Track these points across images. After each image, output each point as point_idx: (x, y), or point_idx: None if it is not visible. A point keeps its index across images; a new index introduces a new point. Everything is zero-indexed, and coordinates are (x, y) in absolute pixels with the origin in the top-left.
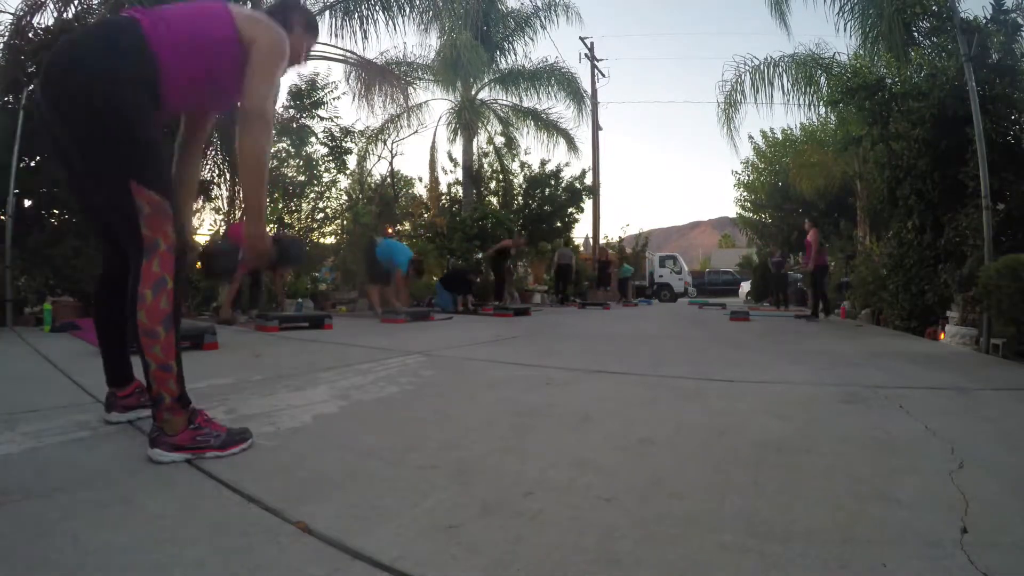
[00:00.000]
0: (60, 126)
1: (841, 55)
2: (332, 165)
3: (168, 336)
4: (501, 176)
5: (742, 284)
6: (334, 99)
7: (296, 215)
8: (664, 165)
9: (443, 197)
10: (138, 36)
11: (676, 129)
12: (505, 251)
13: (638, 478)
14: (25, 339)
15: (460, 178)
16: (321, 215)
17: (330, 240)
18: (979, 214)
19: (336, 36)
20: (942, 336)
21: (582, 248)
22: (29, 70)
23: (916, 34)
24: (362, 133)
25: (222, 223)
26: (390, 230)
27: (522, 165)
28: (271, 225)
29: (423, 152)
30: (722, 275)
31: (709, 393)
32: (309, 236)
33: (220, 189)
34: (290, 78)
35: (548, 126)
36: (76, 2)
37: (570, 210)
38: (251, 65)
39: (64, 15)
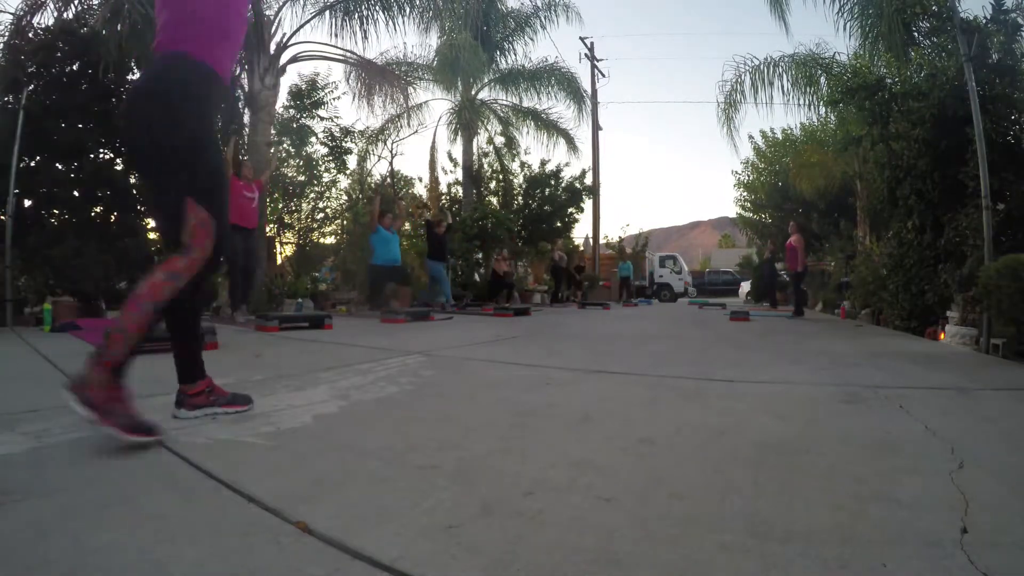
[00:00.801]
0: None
1: (841, 55)
2: (332, 165)
3: (148, 316)
4: (501, 176)
5: (742, 284)
6: (334, 99)
7: (296, 215)
8: (664, 165)
9: (443, 197)
10: (193, 65)
11: (676, 129)
12: (498, 272)
13: (638, 478)
14: (25, 339)
15: (460, 178)
16: (321, 215)
17: (330, 240)
18: (979, 214)
19: (336, 36)
20: (942, 336)
21: (582, 248)
22: (29, 70)
23: (916, 34)
24: (362, 133)
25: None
26: (388, 220)
27: (522, 165)
28: (271, 225)
29: (423, 152)
30: (722, 275)
31: (709, 393)
32: (309, 236)
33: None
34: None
35: (548, 126)
36: (76, 2)
37: (570, 210)
38: None
39: (64, 15)
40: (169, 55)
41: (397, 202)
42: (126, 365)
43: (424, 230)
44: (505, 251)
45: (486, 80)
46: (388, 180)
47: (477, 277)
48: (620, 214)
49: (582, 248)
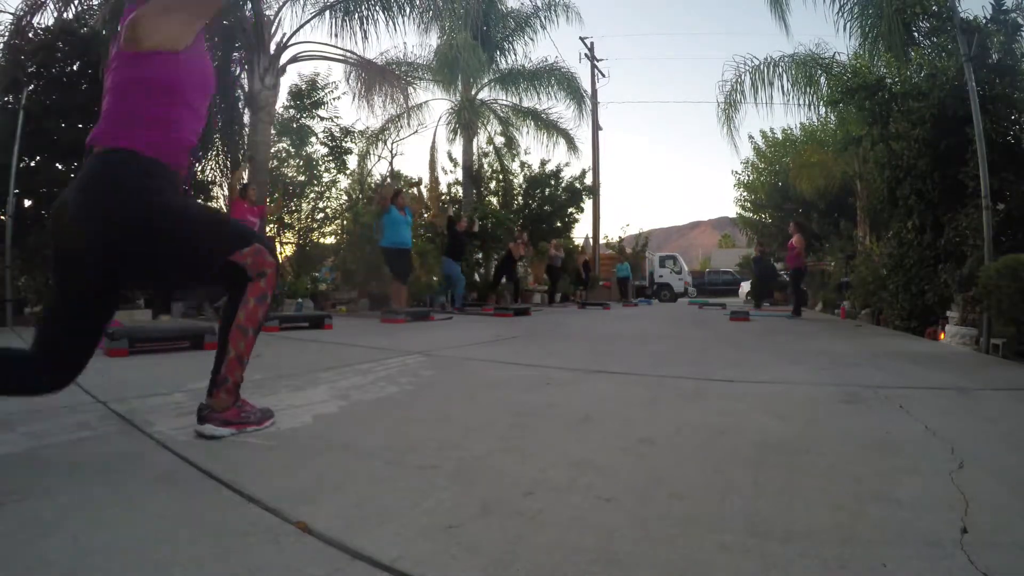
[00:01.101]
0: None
1: (841, 55)
2: (332, 165)
3: (253, 337)
4: (501, 176)
5: (742, 284)
6: (334, 99)
7: (296, 215)
8: (664, 165)
9: (443, 197)
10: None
11: (676, 129)
12: (509, 255)
13: (638, 478)
14: (25, 339)
15: (460, 178)
16: (321, 215)
17: (330, 240)
18: (979, 214)
19: (336, 36)
20: (942, 336)
21: (582, 247)
22: (29, 70)
23: (916, 34)
24: (362, 133)
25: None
26: (402, 200)
27: (522, 165)
28: (271, 225)
29: (423, 152)
30: (722, 275)
31: (709, 393)
32: (309, 236)
33: (222, 189)
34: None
35: (548, 126)
36: (76, 2)
37: (570, 210)
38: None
39: (64, 15)
40: (103, 153)
41: (408, 190)
42: (241, 383)
43: (446, 227)
44: (525, 234)
45: (486, 80)
46: (388, 180)
47: (477, 277)
48: (620, 214)
49: (582, 248)
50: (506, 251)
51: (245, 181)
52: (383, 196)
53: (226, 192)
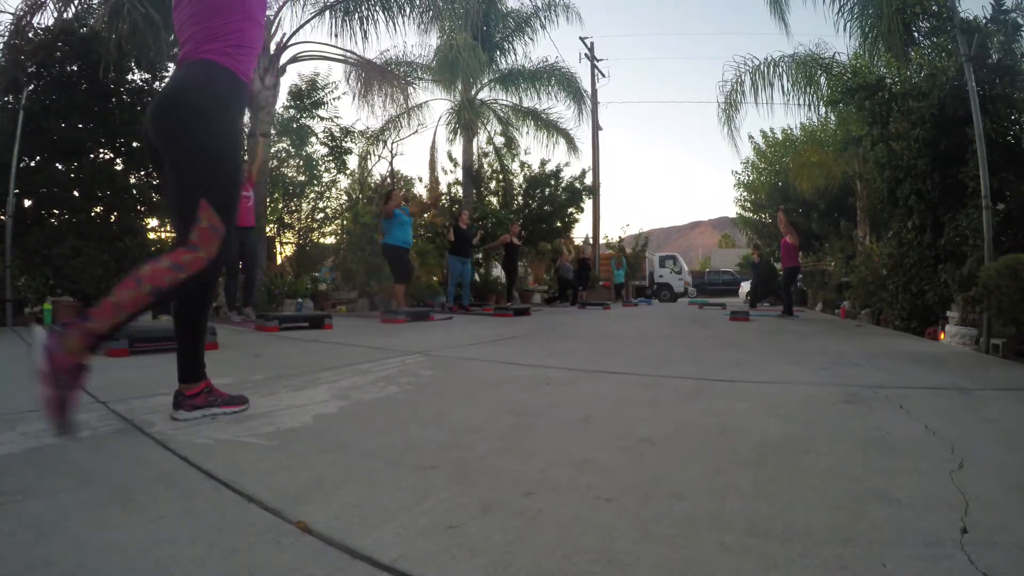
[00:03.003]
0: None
1: (841, 55)
2: (332, 165)
3: (144, 297)
4: (501, 176)
5: (742, 284)
6: (334, 99)
7: (296, 215)
8: (664, 165)
9: (443, 197)
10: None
11: (676, 129)
12: (510, 247)
13: (638, 478)
14: (25, 339)
15: (460, 178)
16: (321, 215)
17: (330, 240)
18: (979, 214)
19: (336, 36)
20: (942, 336)
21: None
22: (29, 70)
23: (916, 34)
24: (362, 133)
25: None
26: (402, 202)
27: (522, 165)
28: (271, 225)
29: (423, 152)
30: (722, 275)
31: (709, 393)
32: (309, 236)
33: None
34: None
35: (548, 126)
36: (76, 2)
37: (570, 210)
38: None
39: (64, 15)
40: (196, 63)
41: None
42: (104, 339)
43: (450, 224)
44: (517, 226)
45: (486, 80)
46: (388, 180)
47: (477, 277)
48: (620, 214)
49: (581, 247)
50: (505, 248)
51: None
52: (387, 212)
53: None
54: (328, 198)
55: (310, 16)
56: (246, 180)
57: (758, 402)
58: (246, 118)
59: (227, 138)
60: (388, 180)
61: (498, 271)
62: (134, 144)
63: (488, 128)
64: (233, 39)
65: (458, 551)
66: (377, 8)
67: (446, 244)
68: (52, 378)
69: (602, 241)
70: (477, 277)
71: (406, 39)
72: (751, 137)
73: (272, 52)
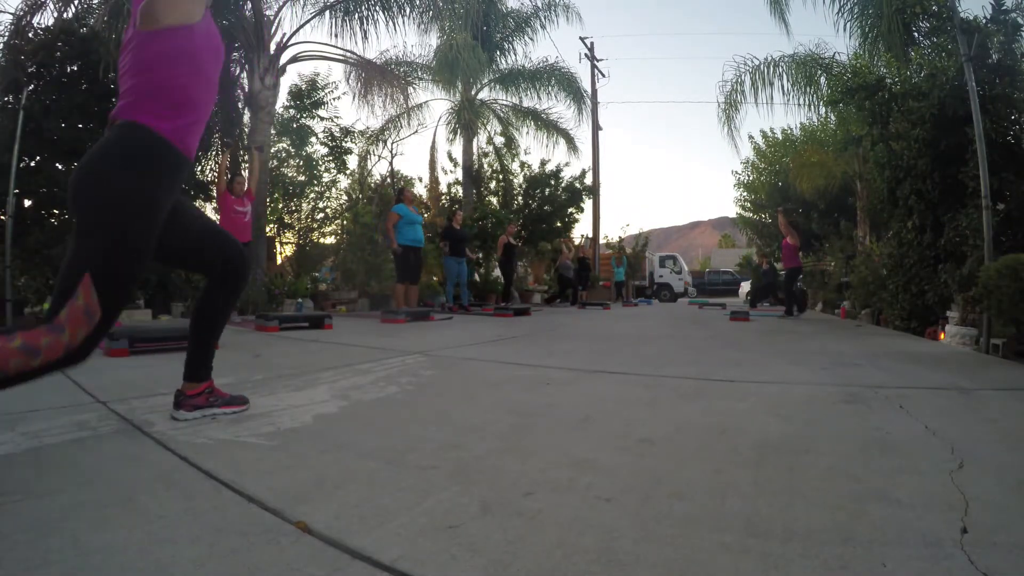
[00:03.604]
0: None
1: (841, 55)
2: (332, 165)
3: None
4: (501, 176)
5: (742, 284)
6: (334, 99)
7: (296, 215)
8: (664, 165)
9: (443, 197)
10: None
11: (676, 129)
12: (509, 247)
13: (638, 478)
14: None
15: (460, 178)
16: (321, 215)
17: (330, 240)
18: (979, 214)
19: (336, 36)
20: (942, 336)
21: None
22: (29, 70)
23: (916, 34)
24: (362, 133)
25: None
26: (409, 195)
27: (522, 165)
28: (271, 225)
29: (423, 152)
30: (722, 275)
31: (709, 393)
32: (309, 236)
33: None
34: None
35: (548, 126)
36: (76, 2)
37: (570, 210)
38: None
39: (64, 15)
40: (123, 126)
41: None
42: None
43: (445, 226)
44: (513, 227)
45: (486, 80)
46: (388, 180)
47: (477, 277)
48: (620, 214)
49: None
50: (503, 247)
51: (230, 174)
52: (389, 222)
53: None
54: (328, 198)
55: (310, 16)
56: (243, 196)
57: (758, 402)
58: (246, 118)
59: (137, 217)
60: (388, 180)
61: (499, 271)
62: None
63: (488, 128)
64: (173, 97)
65: (458, 551)
66: (377, 8)
67: (439, 244)
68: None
69: (602, 241)
70: (477, 277)
71: (406, 39)
72: (751, 137)
73: (272, 52)
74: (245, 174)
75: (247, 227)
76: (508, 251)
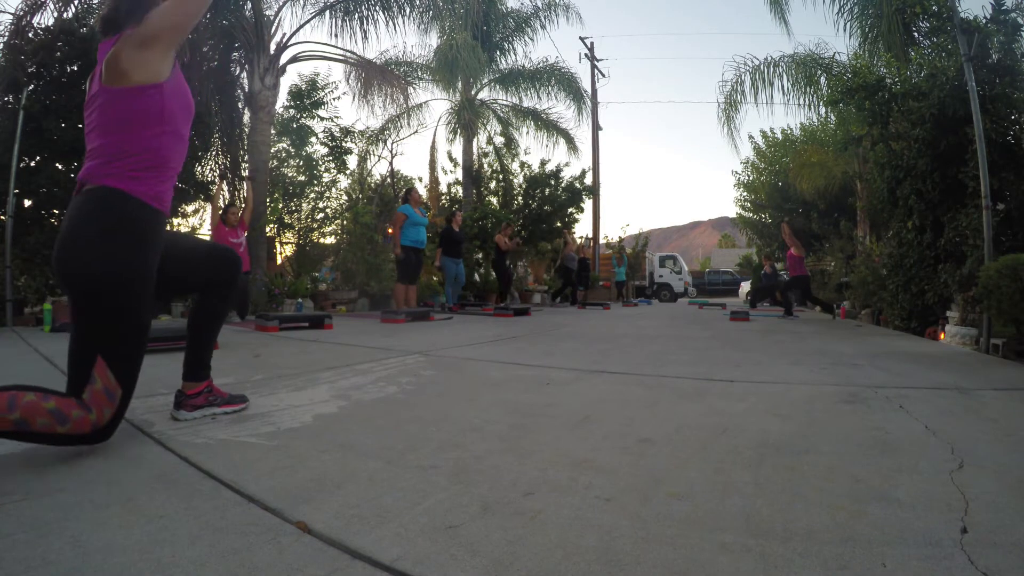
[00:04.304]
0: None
1: (841, 55)
2: (332, 165)
3: (4, 422)
4: (501, 176)
5: (742, 284)
6: (334, 99)
7: (296, 215)
8: (664, 165)
9: (443, 197)
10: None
11: (676, 129)
12: (501, 248)
13: (638, 478)
14: (25, 339)
15: (460, 178)
16: (321, 215)
17: (330, 240)
18: (979, 214)
19: (336, 36)
20: (942, 336)
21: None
22: (29, 70)
23: (916, 34)
24: (362, 133)
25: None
26: (416, 196)
27: (522, 165)
28: (271, 225)
29: (423, 152)
30: (722, 275)
31: (709, 393)
32: (309, 236)
33: (222, 191)
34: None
35: (548, 126)
36: (76, 2)
37: (570, 210)
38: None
39: (64, 15)
40: (94, 191)
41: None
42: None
43: (444, 228)
44: (510, 228)
45: (486, 80)
46: (388, 180)
47: (477, 277)
48: (620, 214)
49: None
50: (495, 250)
51: (225, 201)
52: (396, 224)
53: (225, 192)
54: (328, 198)
55: (310, 16)
56: (237, 226)
57: (758, 402)
58: (246, 118)
59: (132, 289)
60: (388, 180)
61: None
62: None
63: (488, 128)
64: (145, 159)
65: (458, 551)
66: (377, 8)
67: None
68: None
69: (602, 241)
70: (477, 277)
71: (406, 39)
72: (751, 137)
73: (272, 52)
74: (240, 203)
75: (243, 256)
76: (500, 253)
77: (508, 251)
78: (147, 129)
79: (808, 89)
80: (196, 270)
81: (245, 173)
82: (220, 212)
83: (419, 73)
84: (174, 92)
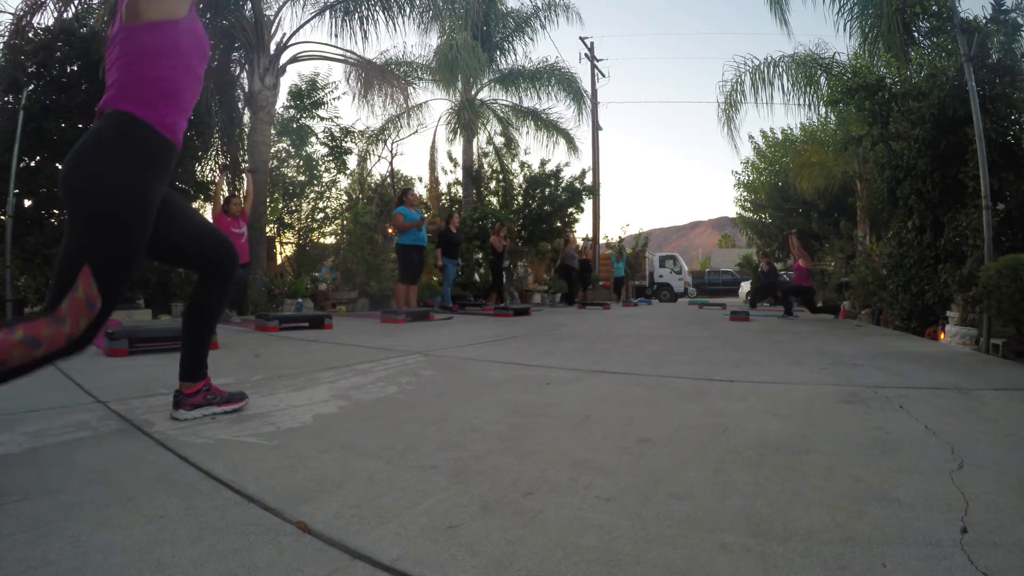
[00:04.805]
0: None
1: (841, 55)
2: (332, 165)
3: None
4: (501, 176)
5: (742, 284)
6: (334, 99)
7: (296, 215)
8: (664, 165)
9: (443, 197)
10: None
11: (676, 129)
12: (497, 249)
13: (638, 478)
14: None
15: (460, 178)
16: (321, 215)
17: (330, 240)
18: (979, 214)
19: (336, 36)
20: (942, 336)
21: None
22: (29, 70)
23: (916, 34)
24: (362, 133)
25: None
26: (412, 198)
27: (522, 165)
28: (271, 225)
29: (423, 152)
30: (722, 275)
31: (709, 393)
32: (309, 236)
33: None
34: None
35: (548, 126)
36: (76, 2)
37: (570, 210)
38: None
39: (64, 15)
40: (111, 115)
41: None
42: None
43: (442, 229)
44: (504, 229)
45: (486, 80)
46: (388, 180)
47: (477, 277)
48: (620, 214)
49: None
50: (491, 248)
51: (226, 193)
52: (397, 225)
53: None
54: (328, 198)
55: (310, 16)
56: (239, 217)
57: (758, 402)
58: (246, 118)
59: (129, 203)
60: (388, 180)
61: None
62: None
63: (488, 128)
64: (158, 88)
65: (458, 551)
66: (377, 8)
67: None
68: None
69: (602, 241)
70: (477, 277)
71: (406, 39)
72: (751, 137)
73: (272, 52)
74: (241, 194)
75: (244, 248)
76: (495, 254)
77: (504, 251)
78: (160, 60)
79: (808, 89)
80: (196, 242)
81: (245, 166)
82: (222, 204)
83: (419, 73)
84: (189, 31)
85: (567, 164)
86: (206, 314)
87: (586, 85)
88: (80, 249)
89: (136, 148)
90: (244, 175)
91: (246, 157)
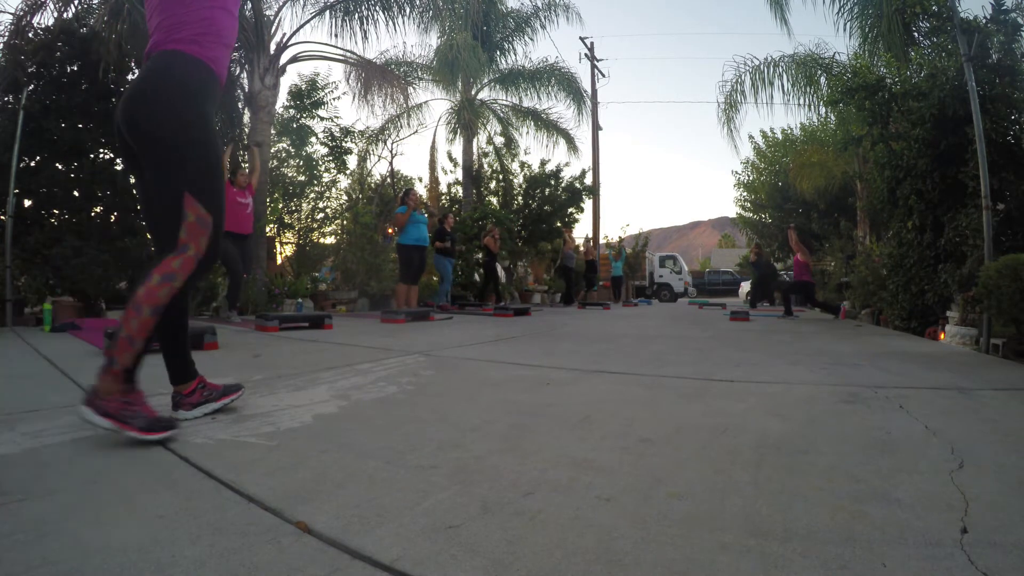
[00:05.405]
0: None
1: (841, 55)
2: (332, 165)
3: (149, 319)
4: (501, 176)
5: (742, 284)
6: (334, 99)
7: (296, 215)
8: (664, 165)
9: (443, 197)
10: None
11: (676, 129)
12: (492, 249)
13: (638, 478)
14: (25, 339)
15: (460, 178)
16: (321, 215)
17: (330, 240)
18: (979, 214)
19: (336, 36)
20: (942, 336)
21: (581, 247)
22: (29, 70)
23: (916, 34)
24: (362, 133)
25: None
26: (414, 198)
27: (522, 165)
28: (271, 225)
29: (423, 152)
30: (722, 275)
31: (709, 393)
32: (309, 236)
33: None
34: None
35: (548, 126)
36: (76, 2)
37: (570, 210)
38: None
39: (64, 15)
40: (163, 54)
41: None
42: (135, 370)
43: (437, 227)
44: (496, 230)
45: (486, 80)
46: (388, 180)
47: (477, 277)
48: (620, 214)
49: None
50: (485, 249)
51: (231, 169)
52: (399, 223)
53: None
54: (328, 198)
55: (310, 16)
56: (245, 188)
57: (758, 402)
58: (246, 118)
59: (201, 126)
60: (388, 180)
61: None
62: None
63: (488, 128)
64: (201, 27)
65: (458, 551)
66: (377, 8)
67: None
68: (123, 422)
69: (602, 241)
70: (477, 277)
71: (406, 39)
72: (751, 137)
73: (272, 52)
74: (246, 167)
75: (249, 219)
76: (490, 252)
77: (498, 251)
78: (200, 2)
79: (808, 89)
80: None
81: (247, 143)
82: (227, 175)
83: (419, 73)
84: None
85: (567, 164)
86: (179, 311)
87: (586, 85)
88: (176, 182)
89: (192, 79)
90: (250, 150)
91: (246, 157)
